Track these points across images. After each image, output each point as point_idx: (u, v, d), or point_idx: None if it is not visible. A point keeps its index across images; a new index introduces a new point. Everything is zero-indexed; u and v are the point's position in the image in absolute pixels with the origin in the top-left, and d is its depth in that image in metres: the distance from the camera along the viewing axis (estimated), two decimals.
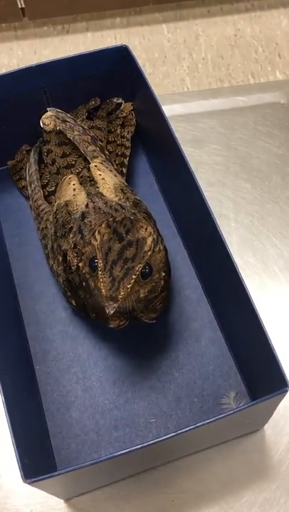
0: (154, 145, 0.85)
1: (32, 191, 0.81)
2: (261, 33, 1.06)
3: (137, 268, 0.59)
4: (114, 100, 0.88)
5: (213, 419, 0.52)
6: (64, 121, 0.81)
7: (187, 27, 1.08)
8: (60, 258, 0.70)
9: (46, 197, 0.80)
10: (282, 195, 0.87)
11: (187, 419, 0.69)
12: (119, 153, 0.84)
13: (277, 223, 0.85)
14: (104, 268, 0.59)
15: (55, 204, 0.75)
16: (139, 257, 0.59)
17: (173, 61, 1.03)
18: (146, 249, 0.60)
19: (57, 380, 0.73)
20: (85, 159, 0.79)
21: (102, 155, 0.79)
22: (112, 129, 0.87)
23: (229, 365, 0.72)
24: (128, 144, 0.85)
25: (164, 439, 0.52)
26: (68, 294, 0.71)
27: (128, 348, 0.74)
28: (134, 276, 0.59)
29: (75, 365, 0.73)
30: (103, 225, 0.62)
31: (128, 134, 0.86)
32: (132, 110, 0.88)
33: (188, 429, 0.52)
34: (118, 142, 0.85)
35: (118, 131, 0.86)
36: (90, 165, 0.76)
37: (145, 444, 0.51)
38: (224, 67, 1.01)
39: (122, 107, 0.88)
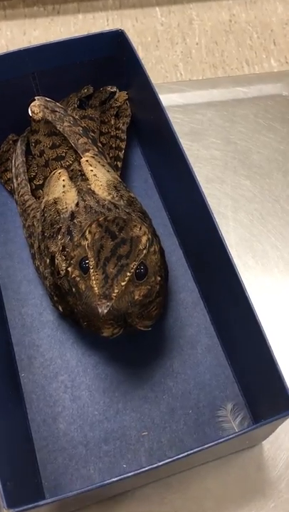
0: (149, 137, 0.80)
1: (18, 185, 0.76)
2: (256, 19, 1.01)
3: (131, 265, 0.55)
4: (108, 89, 0.82)
5: (212, 444, 0.49)
6: (53, 111, 0.75)
7: (181, 11, 1.03)
8: (48, 260, 0.65)
9: (33, 191, 0.75)
10: (283, 194, 0.83)
11: (181, 432, 0.65)
12: (114, 145, 0.79)
13: (277, 223, 0.81)
14: (97, 265, 0.54)
15: (43, 201, 0.70)
16: (133, 254, 0.55)
17: (166, 46, 0.98)
18: (140, 247, 0.56)
19: (43, 388, 0.68)
20: (76, 151, 0.74)
21: (95, 148, 0.73)
22: (106, 120, 0.82)
23: (226, 375, 0.68)
24: (123, 136, 0.80)
25: (159, 466, 0.48)
26: (55, 298, 0.66)
27: (119, 355, 0.70)
28: (128, 274, 0.54)
29: (63, 373, 0.69)
30: (93, 225, 0.58)
31: (123, 125, 0.81)
32: (126, 99, 0.83)
33: (183, 455, 0.48)
34: (112, 134, 0.80)
35: (112, 122, 0.81)
36: (81, 160, 0.71)
37: (138, 471, 0.48)
38: (218, 54, 0.97)
39: (116, 96, 0.83)
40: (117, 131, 0.81)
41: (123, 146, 0.80)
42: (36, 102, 0.77)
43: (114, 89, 0.82)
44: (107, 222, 0.58)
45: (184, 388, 0.68)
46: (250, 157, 0.85)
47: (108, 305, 0.53)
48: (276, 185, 0.83)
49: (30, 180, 0.76)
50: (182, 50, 0.99)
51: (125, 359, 0.70)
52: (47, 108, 0.75)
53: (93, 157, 0.71)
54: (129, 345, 0.70)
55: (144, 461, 0.64)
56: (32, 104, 0.77)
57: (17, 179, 0.76)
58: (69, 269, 0.59)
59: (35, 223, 0.70)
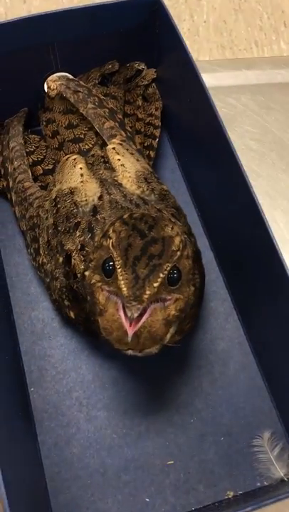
0: (181, 123, 0.71)
1: (14, 169, 0.67)
2: None
3: (164, 266, 0.46)
4: (136, 66, 0.73)
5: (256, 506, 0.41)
6: (76, 91, 0.67)
7: None
8: (61, 259, 0.56)
9: (41, 175, 0.67)
10: None
11: (212, 462, 0.58)
12: (148, 133, 0.71)
13: None
14: (125, 265, 0.46)
15: (55, 189, 0.61)
16: (166, 255, 0.47)
17: None
18: (174, 248, 0.48)
19: (55, 406, 0.60)
20: (97, 133, 0.65)
21: (123, 132, 0.65)
22: (131, 100, 0.72)
23: (263, 398, 0.61)
24: (158, 122, 0.72)
25: None
26: (66, 303, 0.57)
27: (142, 369, 0.62)
28: (161, 275, 0.46)
29: (78, 389, 0.61)
30: (117, 223, 0.49)
31: (156, 110, 0.72)
32: (154, 79, 0.73)
33: None
34: (146, 120, 0.71)
35: (139, 103, 0.72)
36: (107, 147, 0.63)
37: None
38: (226, 33, 0.90)
39: (143, 74, 0.73)
40: (150, 118, 0.72)
41: (157, 134, 0.71)
42: (54, 77, 0.67)
43: (143, 66, 0.73)
44: (133, 220, 0.49)
45: (215, 411, 0.60)
46: None
47: (139, 308, 0.45)
48: None
49: (37, 163, 0.67)
50: (189, 28, 0.91)
51: (148, 375, 0.62)
52: (69, 88, 0.67)
53: (121, 144, 0.63)
54: (153, 359, 0.61)
55: (170, 495, 0.56)
56: (50, 78, 0.68)
57: (12, 163, 0.67)
58: (86, 273, 0.51)
59: (41, 213, 0.61)
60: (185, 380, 0.62)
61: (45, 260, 0.60)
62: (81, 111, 0.65)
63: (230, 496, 0.56)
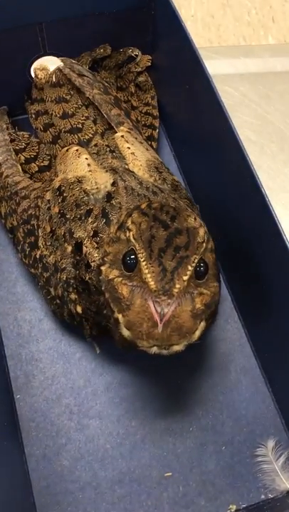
0: (177, 113, 0.67)
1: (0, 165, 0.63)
2: None
3: (192, 258, 0.43)
4: (129, 52, 0.69)
5: None
6: (81, 75, 0.63)
7: None
8: (70, 248, 0.52)
9: (36, 173, 0.63)
10: None
11: (213, 474, 0.54)
12: (148, 123, 0.68)
13: None
14: (150, 257, 0.43)
15: (57, 179, 0.57)
16: (193, 246, 0.44)
17: None
18: (199, 240, 0.44)
19: (44, 414, 0.56)
20: (95, 122, 0.61)
21: (129, 121, 0.62)
22: (124, 86, 0.68)
23: (266, 404, 0.58)
24: (156, 112, 0.69)
25: None
26: (72, 297, 0.53)
27: (137, 375, 0.58)
28: (190, 268, 0.42)
29: (68, 395, 0.57)
30: (135, 214, 0.46)
31: (152, 99, 0.70)
32: (147, 66, 0.69)
33: None
34: (143, 110, 0.69)
35: (132, 90, 0.68)
36: (116, 135, 0.59)
37: None
38: (214, 27, 0.89)
39: (137, 60, 0.69)
40: (147, 107, 0.69)
41: (157, 124, 0.68)
42: (43, 65, 0.63)
43: (137, 52, 0.69)
44: (153, 211, 0.46)
45: (215, 419, 0.57)
46: None
47: (170, 303, 0.41)
48: None
49: (30, 161, 0.64)
50: None
51: (143, 380, 0.58)
52: (73, 71, 0.63)
53: (129, 132, 0.60)
54: (149, 363, 0.57)
55: (168, 509, 0.53)
56: (37, 66, 0.63)
57: None
58: (102, 268, 0.47)
59: (41, 204, 0.57)
60: (183, 385, 0.58)
61: (46, 252, 0.55)
62: (87, 95, 0.62)
63: (232, 510, 0.53)
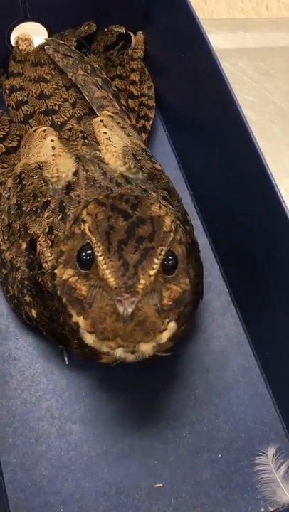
0: (175, 93, 0.63)
1: None
2: None
3: (158, 250, 0.38)
4: (115, 29, 0.65)
5: None
6: (66, 55, 0.60)
7: None
8: (24, 245, 0.48)
9: (3, 155, 0.59)
10: None
11: (208, 484, 0.51)
12: (141, 114, 0.64)
13: None
14: (108, 250, 0.38)
15: (19, 164, 0.54)
16: (158, 236, 0.39)
17: None
18: (165, 229, 0.40)
19: (22, 419, 0.52)
20: (74, 105, 0.58)
21: (116, 104, 0.58)
22: (124, 74, 0.66)
23: (266, 408, 0.54)
24: (152, 103, 0.66)
25: None
26: (27, 299, 0.48)
27: (125, 376, 0.53)
28: (156, 260, 0.38)
29: (49, 397, 0.53)
30: (91, 205, 0.41)
31: (149, 89, 0.66)
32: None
33: None
34: (139, 100, 0.65)
35: (136, 78, 0.65)
36: (95, 119, 0.56)
37: None
38: (207, 14, 0.85)
39: (133, 44, 0.65)
40: (143, 98, 0.65)
41: (151, 116, 0.65)
42: (26, 35, 0.59)
43: (123, 29, 0.66)
44: (111, 200, 0.41)
45: (211, 424, 0.53)
46: None
47: (133, 301, 0.36)
48: None
49: None
50: None
51: (132, 382, 0.54)
52: (58, 52, 0.60)
53: (112, 116, 0.56)
54: (138, 364, 0.52)
55: None
56: (20, 35, 0.59)
57: None
58: (56, 271, 0.42)
59: (2, 191, 0.54)
60: (176, 387, 0.54)
61: (3, 247, 0.51)
62: (70, 76, 0.59)
63: None
